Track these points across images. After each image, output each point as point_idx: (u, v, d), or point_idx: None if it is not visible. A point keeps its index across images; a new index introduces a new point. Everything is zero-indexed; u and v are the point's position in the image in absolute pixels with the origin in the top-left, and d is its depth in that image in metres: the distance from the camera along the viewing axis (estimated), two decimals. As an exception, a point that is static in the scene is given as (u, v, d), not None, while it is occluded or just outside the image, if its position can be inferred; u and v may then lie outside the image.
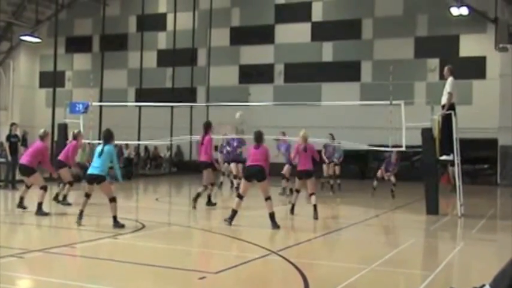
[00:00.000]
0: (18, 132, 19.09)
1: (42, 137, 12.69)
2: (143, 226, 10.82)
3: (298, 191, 13.03)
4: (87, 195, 10.86)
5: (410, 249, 9.43)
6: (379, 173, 18.56)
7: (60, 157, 14.00)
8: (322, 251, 9.46)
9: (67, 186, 13.85)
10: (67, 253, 8.32)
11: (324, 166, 19.30)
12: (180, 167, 32.25)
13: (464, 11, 26.30)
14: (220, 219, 12.07)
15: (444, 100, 13.73)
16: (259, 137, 11.62)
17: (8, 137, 18.38)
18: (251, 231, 11.09)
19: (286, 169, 17.50)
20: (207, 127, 14.25)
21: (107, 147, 10.77)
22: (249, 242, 9.54)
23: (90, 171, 10.81)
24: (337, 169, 19.62)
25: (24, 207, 12.63)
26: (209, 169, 14.07)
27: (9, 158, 18.03)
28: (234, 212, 11.27)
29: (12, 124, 19.06)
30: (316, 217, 12.29)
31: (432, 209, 13.62)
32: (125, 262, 7.67)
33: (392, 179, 18.21)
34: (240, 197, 11.36)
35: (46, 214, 11.96)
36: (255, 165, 11.30)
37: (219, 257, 8.80)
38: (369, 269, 7.43)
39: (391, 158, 18.40)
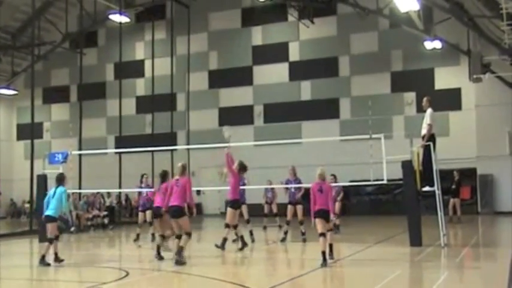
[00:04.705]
0: None
1: None
2: (127, 274, 10.63)
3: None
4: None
5: (396, 281, 9.37)
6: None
7: None
8: (311, 287, 9.35)
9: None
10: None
11: None
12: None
13: (437, 44, 26.84)
14: (206, 263, 11.87)
15: (424, 131, 13.84)
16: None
17: None
18: (240, 271, 10.92)
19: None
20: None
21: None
22: (239, 285, 9.39)
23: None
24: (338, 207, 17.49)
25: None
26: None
27: None
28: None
29: None
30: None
31: (415, 240, 13.56)
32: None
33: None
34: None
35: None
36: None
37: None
38: (355, 303, 7.35)
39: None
